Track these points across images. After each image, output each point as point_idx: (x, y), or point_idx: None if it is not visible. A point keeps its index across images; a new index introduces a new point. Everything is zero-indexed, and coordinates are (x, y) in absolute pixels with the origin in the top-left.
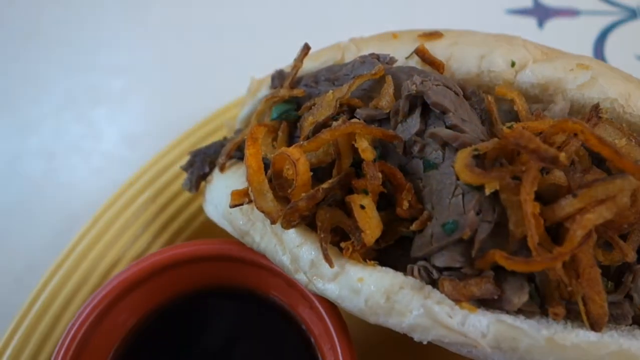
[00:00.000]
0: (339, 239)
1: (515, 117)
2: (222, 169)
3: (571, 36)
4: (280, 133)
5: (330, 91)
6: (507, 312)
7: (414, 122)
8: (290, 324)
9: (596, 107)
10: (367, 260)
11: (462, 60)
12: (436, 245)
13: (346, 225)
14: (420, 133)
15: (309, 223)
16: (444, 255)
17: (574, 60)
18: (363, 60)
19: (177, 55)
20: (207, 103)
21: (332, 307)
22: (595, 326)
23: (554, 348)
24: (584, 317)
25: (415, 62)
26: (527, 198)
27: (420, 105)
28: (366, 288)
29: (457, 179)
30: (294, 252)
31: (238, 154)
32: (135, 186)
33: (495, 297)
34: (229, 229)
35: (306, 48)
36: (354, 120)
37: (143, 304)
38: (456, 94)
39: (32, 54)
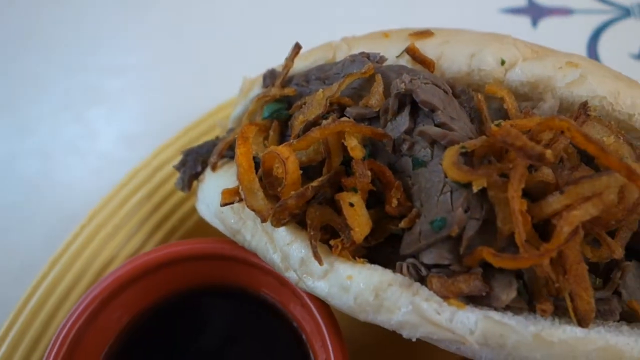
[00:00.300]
0: (329, 236)
1: (505, 115)
2: (214, 168)
3: (565, 35)
4: (271, 132)
5: (321, 90)
6: (495, 309)
7: (403, 121)
8: (282, 321)
9: (584, 105)
10: (357, 258)
11: (453, 59)
12: (424, 242)
13: (336, 223)
14: (409, 131)
15: (299, 221)
16: (432, 253)
17: (563, 59)
18: (353, 59)
19: (175, 56)
20: (204, 103)
21: (323, 304)
22: (582, 322)
23: (541, 344)
24: (572, 314)
25: (406, 61)
26: (514, 195)
27: (409, 103)
28: (355, 285)
29: (446, 176)
30: (284, 250)
31: (230, 153)
32: (130, 185)
33: (484, 293)
34: (220, 227)
35: (297, 47)
36: (343, 118)
37: (137, 301)
38: (445, 92)
39: (30, 54)
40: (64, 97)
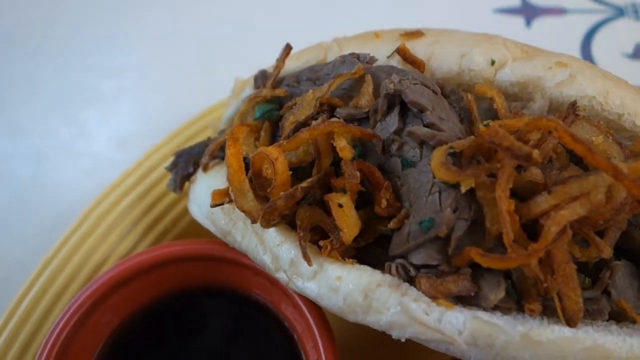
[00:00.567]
0: (318, 237)
1: (495, 116)
2: (205, 169)
3: (559, 35)
4: (262, 133)
5: (311, 90)
6: (484, 309)
7: (393, 121)
8: (273, 322)
9: (573, 105)
10: (346, 259)
11: (443, 59)
12: (413, 243)
13: (325, 223)
14: (398, 132)
15: (289, 222)
16: (421, 253)
17: (553, 59)
18: (343, 59)
19: (167, 58)
20: (198, 104)
21: (314, 305)
22: (570, 322)
23: (530, 344)
24: (560, 313)
25: (396, 61)
26: (502, 195)
27: (399, 104)
28: (344, 286)
29: (434, 177)
30: (274, 251)
31: (221, 154)
32: (122, 186)
33: (472, 293)
34: (212, 228)
35: (287, 48)
36: (333, 119)
37: (129, 302)
38: (434, 92)
39: (23, 54)
40: (56, 98)
